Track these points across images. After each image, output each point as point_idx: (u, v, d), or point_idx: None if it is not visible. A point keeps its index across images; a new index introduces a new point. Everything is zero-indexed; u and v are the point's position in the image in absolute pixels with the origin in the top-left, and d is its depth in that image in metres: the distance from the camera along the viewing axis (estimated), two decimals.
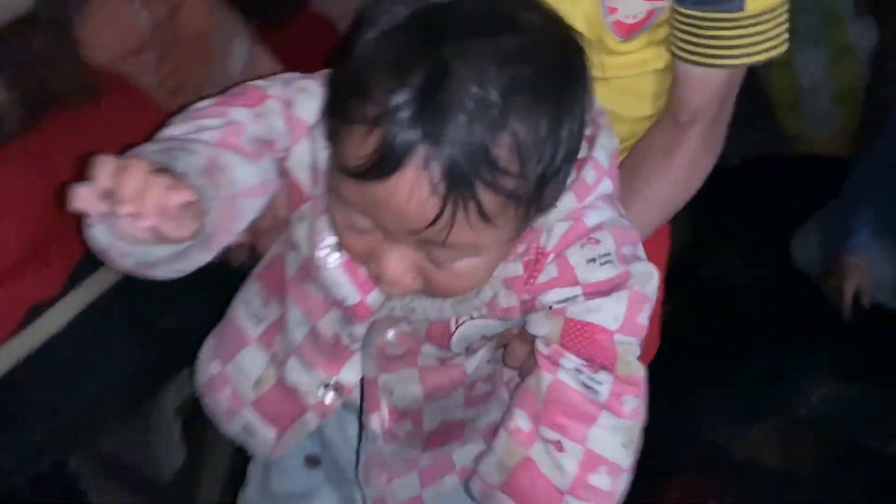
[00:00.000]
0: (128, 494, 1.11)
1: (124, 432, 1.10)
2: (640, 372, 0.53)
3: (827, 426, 1.31)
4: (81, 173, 0.41)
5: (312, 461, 0.70)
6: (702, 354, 1.38)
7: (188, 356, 0.84)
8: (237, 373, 0.63)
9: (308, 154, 0.53)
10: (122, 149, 0.72)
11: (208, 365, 0.66)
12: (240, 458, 1.11)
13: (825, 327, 1.41)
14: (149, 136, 0.52)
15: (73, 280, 0.67)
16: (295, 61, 0.84)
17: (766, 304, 1.51)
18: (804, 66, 1.84)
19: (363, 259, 0.51)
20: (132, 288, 0.76)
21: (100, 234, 0.45)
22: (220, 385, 0.64)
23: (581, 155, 0.51)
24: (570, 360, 0.52)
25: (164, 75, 0.81)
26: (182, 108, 0.52)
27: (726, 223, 1.60)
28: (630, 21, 0.64)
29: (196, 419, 1.09)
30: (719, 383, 1.36)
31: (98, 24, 0.77)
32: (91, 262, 0.71)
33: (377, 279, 0.50)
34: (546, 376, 0.52)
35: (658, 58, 0.68)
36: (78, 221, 0.44)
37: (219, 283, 0.67)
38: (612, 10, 0.63)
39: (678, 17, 0.65)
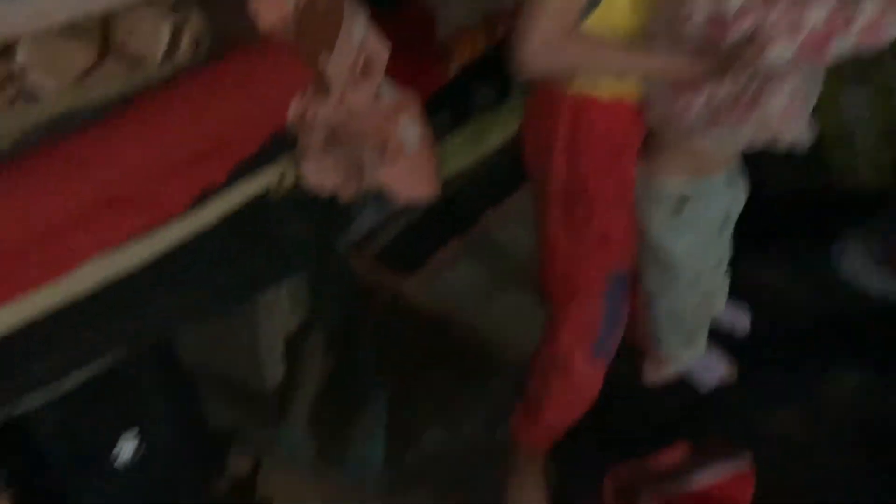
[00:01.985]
0: (234, 406, 1.32)
1: (234, 352, 1.32)
2: None
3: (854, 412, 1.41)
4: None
5: None
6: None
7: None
8: None
9: None
10: (279, 91, 0.97)
11: None
12: (329, 376, 1.33)
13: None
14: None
15: (238, 172, 0.90)
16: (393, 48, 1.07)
17: (807, 306, 1.63)
18: (848, 102, 1.99)
19: None
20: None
21: None
22: None
23: None
24: None
25: (303, 43, 1.05)
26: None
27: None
28: None
29: (295, 340, 1.32)
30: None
31: (259, 2, 1.04)
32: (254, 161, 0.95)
33: None
34: None
35: None
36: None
37: None
38: None
39: None
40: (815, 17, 0.83)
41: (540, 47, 0.85)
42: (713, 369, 1.42)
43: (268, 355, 1.29)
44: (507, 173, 1.69)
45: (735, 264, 1.27)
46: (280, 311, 1.30)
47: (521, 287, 1.61)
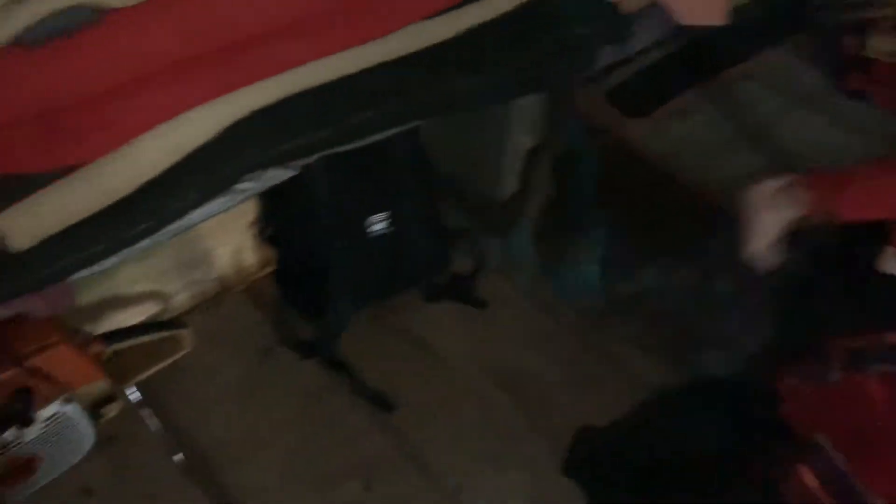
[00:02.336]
0: (467, 211, 1.41)
1: (478, 162, 1.39)
2: None
3: None
4: None
5: None
6: None
7: None
8: None
9: None
10: None
11: None
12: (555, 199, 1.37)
13: None
14: None
15: None
16: None
17: None
18: None
19: None
20: None
21: None
22: None
23: None
24: None
25: None
26: None
27: None
28: None
29: (529, 159, 1.36)
30: None
31: None
32: None
33: None
34: None
35: None
36: None
37: None
38: None
39: None
40: None
41: None
42: None
43: (508, 169, 1.34)
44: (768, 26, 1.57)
45: None
46: (523, 128, 1.33)
47: (755, 150, 1.54)
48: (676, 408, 1.30)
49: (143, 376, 1.21)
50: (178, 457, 1.18)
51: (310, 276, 1.29)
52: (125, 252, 0.69)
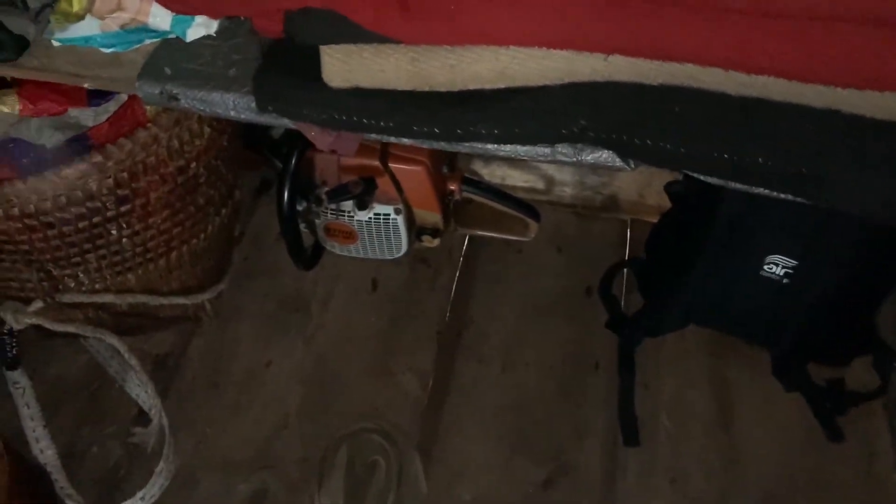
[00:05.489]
0: None
1: None
2: None
3: None
4: None
5: None
6: None
7: None
8: None
9: None
10: None
11: None
12: None
13: None
14: None
15: None
16: None
17: None
18: None
19: None
20: None
21: None
22: None
23: None
24: None
25: None
26: None
27: None
28: None
29: None
30: None
31: None
32: None
33: None
34: None
35: None
36: None
37: None
38: None
39: None
40: None
41: None
42: None
43: None
44: None
45: None
46: None
47: None
48: None
49: (477, 233, 1.23)
50: (447, 315, 1.21)
51: (671, 259, 1.10)
52: (409, 140, 0.64)
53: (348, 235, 1.16)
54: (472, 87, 0.61)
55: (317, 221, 1.15)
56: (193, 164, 0.85)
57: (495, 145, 0.64)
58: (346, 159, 1.08)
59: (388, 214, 1.11)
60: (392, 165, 1.08)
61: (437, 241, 1.19)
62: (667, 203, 1.15)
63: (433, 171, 1.10)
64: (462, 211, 1.21)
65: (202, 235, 0.99)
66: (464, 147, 0.65)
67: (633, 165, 0.63)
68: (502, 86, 0.60)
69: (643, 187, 1.27)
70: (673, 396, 1.08)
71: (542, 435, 1.07)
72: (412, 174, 1.08)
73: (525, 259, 1.26)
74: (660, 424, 1.05)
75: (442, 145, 0.65)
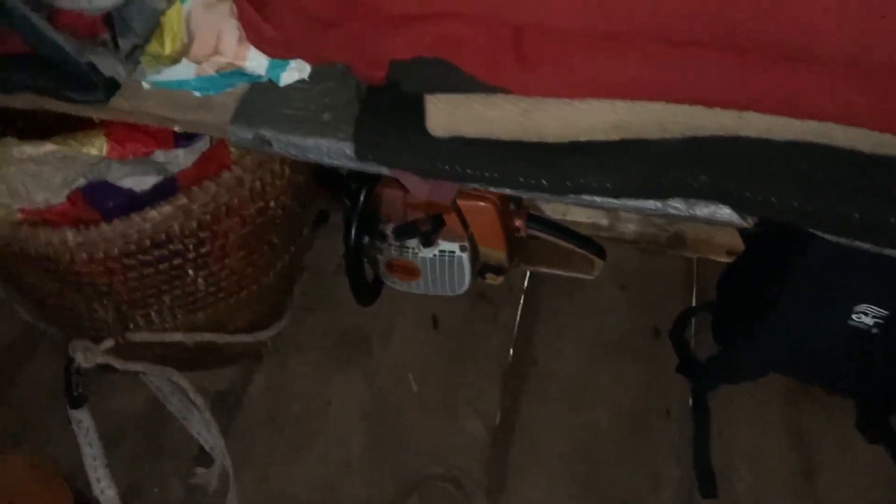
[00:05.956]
0: None
1: None
2: None
3: None
4: None
5: None
6: None
7: None
8: None
9: None
10: None
11: None
12: None
13: None
14: None
15: None
16: None
17: None
18: None
19: None
20: None
21: None
22: None
23: None
24: None
25: None
26: None
27: None
28: None
29: None
30: None
31: None
32: None
33: None
34: None
35: None
36: None
37: None
38: None
39: None
40: None
41: None
42: None
43: None
44: None
45: None
46: None
47: None
48: None
49: (541, 270, 1.21)
50: (510, 353, 1.18)
51: (747, 303, 1.06)
52: (512, 191, 0.62)
53: (411, 272, 1.14)
54: (583, 138, 0.60)
55: (379, 257, 1.13)
56: (272, 204, 0.84)
57: (604, 198, 0.62)
58: (414, 196, 1.06)
59: (454, 252, 1.09)
60: (460, 202, 1.06)
61: (501, 279, 1.16)
62: (736, 242, 1.12)
63: (501, 209, 1.08)
64: (526, 247, 1.19)
65: (272, 273, 0.97)
66: (569, 199, 0.63)
67: (750, 222, 0.61)
68: (616, 137, 0.59)
69: (713, 227, 1.24)
70: (750, 446, 1.04)
71: (613, 483, 1.03)
72: (480, 212, 1.06)
73: (588, 296, 1.23)
74: (737, 475, 1.02)
75: (546, 197, 0.63)
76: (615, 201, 0.62)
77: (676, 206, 0.61)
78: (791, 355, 1.01)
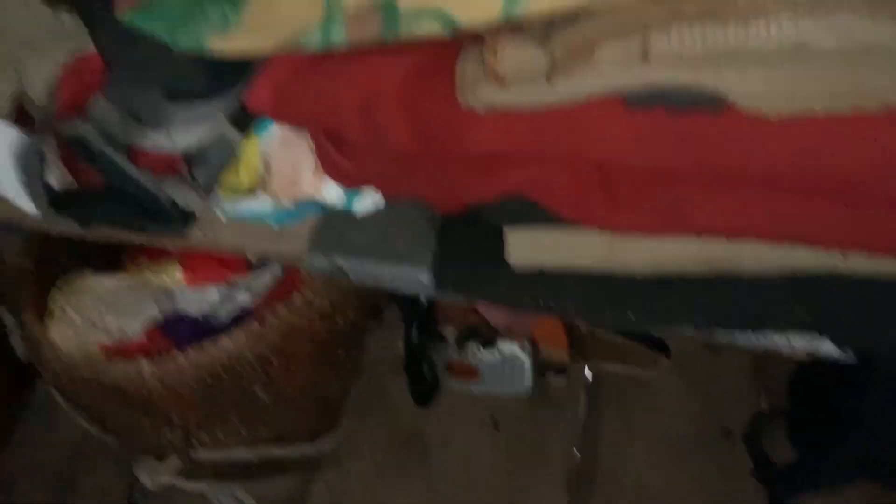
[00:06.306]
0: None
1: None
2: None
3: None
4: None
5: None
6: None
7: None
8: None
9: None
10: None
11: None
12: None
13: None
14: None
15: None
16: None
17: None
18: None
19: None
20: None
21: None
22: None
23: None
24: None
25: None
26: None
27: None
28: None
29: None
30: None
31: None
32: None
33: None
34: None
35: None
36: None
37: None
38: None
39: None
40: None
41: None
42: None
43: None
44: None
45: None
46: None
47: None
48: None
49: (605, 367, 1.18)
50: (575, 456, 1.14)
51: (827, 405, 1.02)
52: (597, 325, 0.61)
53: (471, 373, 1.12)
54: (673, 270, 0.58)
55: (437, 357, 1.11)
56: (340, 321, 0.83)
57: (695, 328, 0.60)
58: None
59: (515, 353, 1.07)
60: None
61: (563, 380, 1.14)
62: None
63: None
64: (587, 344, 1.16)
65: (334, 383, 0.96)
66: (657, 329, 0.61)
67: (852, 354, 0.59)
68: (708, 270, 0.57)
69: None
70: None
71: None
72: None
73: (653, 394, 1.19)
74: None
75: (632, 329, 0.62)
76: (707, 333, 0.60)
77: (774, 339, 0.59)
78: (879, 461, 0.96)
